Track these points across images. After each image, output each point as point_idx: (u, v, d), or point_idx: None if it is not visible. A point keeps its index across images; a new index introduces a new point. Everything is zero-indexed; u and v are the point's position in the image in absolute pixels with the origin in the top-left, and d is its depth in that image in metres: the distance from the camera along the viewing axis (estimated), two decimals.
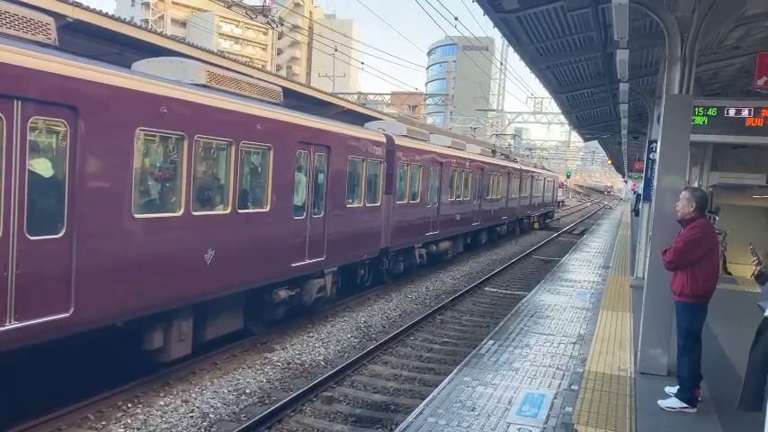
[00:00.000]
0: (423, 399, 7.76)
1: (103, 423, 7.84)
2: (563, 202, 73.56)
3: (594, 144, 54.25)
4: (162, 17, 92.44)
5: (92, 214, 7.21)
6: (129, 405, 8.42)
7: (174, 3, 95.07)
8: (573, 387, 7.85)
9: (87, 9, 11.32)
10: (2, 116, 6.20)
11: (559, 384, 7.96)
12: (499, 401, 7.26)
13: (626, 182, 72.56)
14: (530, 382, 8.00)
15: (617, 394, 7.64)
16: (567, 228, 43.52)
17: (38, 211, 6.66)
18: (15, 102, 6.30)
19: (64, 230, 6.90)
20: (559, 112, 30.99)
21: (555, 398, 7.45)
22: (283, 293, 11.42)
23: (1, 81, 6.14)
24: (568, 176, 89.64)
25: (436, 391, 7.60)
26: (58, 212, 6.90)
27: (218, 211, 9.59)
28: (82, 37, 11.72)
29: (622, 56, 10.01)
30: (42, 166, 6.84)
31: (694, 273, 6.97)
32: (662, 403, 7.23)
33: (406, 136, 17.83)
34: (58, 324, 6.85)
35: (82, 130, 6.99)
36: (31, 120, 6.48)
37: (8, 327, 6.30)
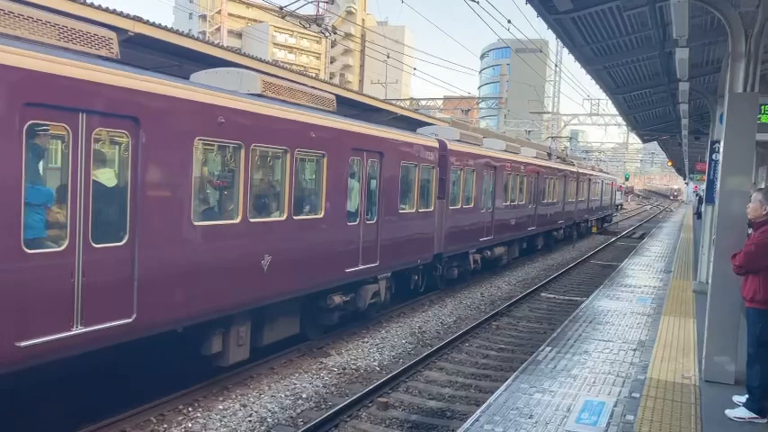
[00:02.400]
0: (479, 405, 7.68)
1: (165, 426, 8.04)
2: (621, 205, 71.88)
3: (654, 145, 52.84)
4: (219, 29, 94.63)
5: (153, 222, 7.41)
6: (190, 409, 8.61)
7: (230, 15, 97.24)
8: (634, 395, 7.65)
9: (147, 23, 11.68)
10: (68, 128, 6.45)
11: (620, 392, 7.76)
12: (557, 409, 7.13)
13: (687, 184, 70.41)
14: (589, 390, 7.83)
15: (681, 403, 7.40)
16: (626, 232, 42.51)
17: (102, 220, 6.88)
18: (80, 114, 6.54)
19: (126, 238, 7.12)
20: (617, 113, 30.32)
21: (615, 405, 7.27)
22: (338, 299, 11.51)
23: (67, 94, 6.38)
24: (627, 179, 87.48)
25: (493, 397, 7.51)
26: (121, 221, 7.12)
27: (275, 217, 9.74)
28: (142, 50, 12.09)
29: (682, 54, 9.74)
30: (106, 176, 7.07)
31: (767, 278, 6.69)
32: (730, 413, 6.97)
33: (458, 140, 17.74)
34: (121, 329, 7.06)
35: (143, 141, 7.20)
36: (95, 131, 6.72)
37: (75, 332, 6.52)
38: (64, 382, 7.68)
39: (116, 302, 6.99)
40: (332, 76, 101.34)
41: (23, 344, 6.03)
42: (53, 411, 7.62)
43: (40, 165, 6.64)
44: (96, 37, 7.38)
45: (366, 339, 12.52)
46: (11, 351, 5.96)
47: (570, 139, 64.83)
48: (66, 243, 6.44)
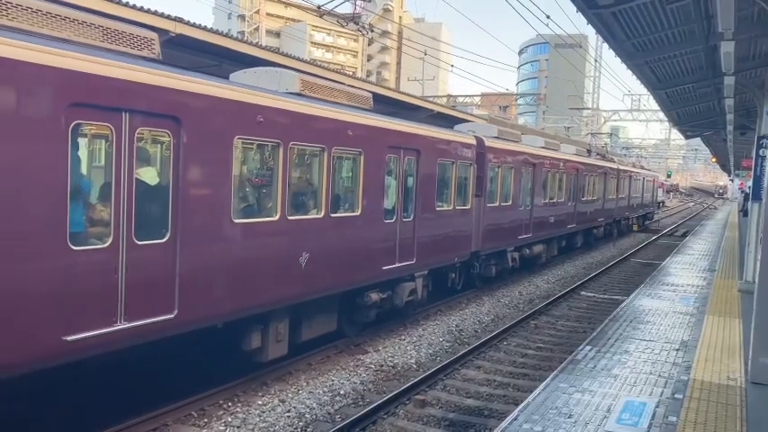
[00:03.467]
0: (517, 404, 7.62)
1: (205, 420, 8.17)
2: (663, 203, 70.48)
3: (697, 141, 51.69)
4: (257, 28, 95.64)
5: (194, 220, 7.53)
6: (230, 404, 8.73)
7: (268, 14, 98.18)
8: (677, 396, 7.50)
9: (188, 24, 11.86)
10: (111, 128, 6.59)
11: (662, 392, 7.62)
12: (597, 409, 7.03)
13: (732, 180, 68.70)
14: (629, 390, 7.71)
15: (725, 405, 7.23)
16: (668, 229, 41.69)
17: (144, 218, 7.01)
18: (123, 114, 6.68)
19: (168, 236, 7.24)
20: (658, 108, 29.73)
21: (657, 406, 7.14)
22: (375, 296, 11.54)
23: (110, 94, 6.52)
24: (669, 175, 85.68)
25: (531, 396, 7.44)
26: (163, 219, 7.25)
27: (312, 215, 9.81)
28: (183, 50, 12.28)
29: (727, 48, 9.50)
30: (148, 175, 7.20)
31: None
32: None
33: (496, 137, 17.61)
34: (163, 325, 7.20)
35: (184, 140, 7.32)
36: (137, 131, 6.85)
37: (119, 327, 6.67)
38: (107, 376, 7.86)
39: (158, 298, 7.12)
40: (369, 74, 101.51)
41: (70, 338, 6.19)
42: (97, 404, 7.80)
43: (85, 163, 6.80)
44: (138, 38, 7.53)
45: (403, 337, 12.53)
46: (58, 345, 6.13)
47: (610, 135, 63.81)
48: (110, 240, 6.59)
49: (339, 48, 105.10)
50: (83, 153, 6.68)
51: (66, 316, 6.17)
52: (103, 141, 6.81)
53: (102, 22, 7.17)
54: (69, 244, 6.17)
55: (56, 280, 6.08)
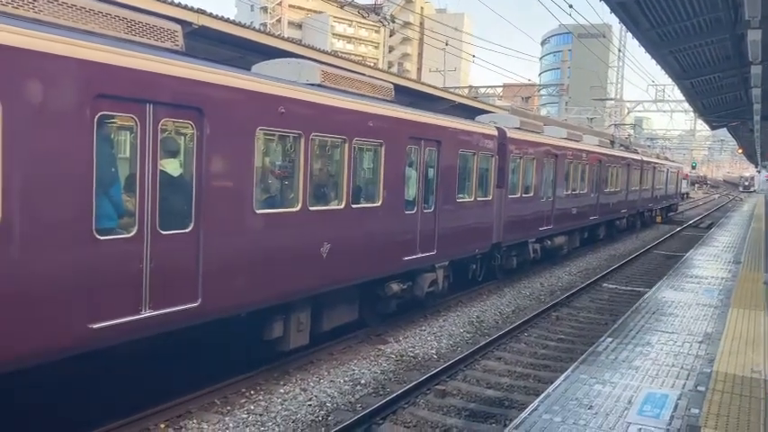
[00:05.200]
0: (537, 395, 7.63)
1: (228, 408, 8.28)
2: (687, 194, 69.60)
3: (723, 132, 50.91)
4: (279, 20, 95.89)
5: (217, 210, 7.61)
6: (252, 392, 8.84)
7: (290, 6, 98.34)
8: (699, 388, 7.45)
9: (211, 15, 11.94)
10: (136, 119, 6.68)
11: (684, 385, 7.58)
12: (618, 400, 7.01)
13: (759, 171, 67.63)
14: (651, 382, 7.67)
15: (749, 397, 7.17)
16: (692, 221, 41.19)
17: (168, 208, 7.09)
18: (148, 105, 6.76)
19: (192, 226, 7.33)
20: (683, 99, 29.33)
21: (679, 399, 7.10)
22: (396, 287, 11.57)
23: (135, 86, 6.60)
24: (694, 167, 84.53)
25: (551, 387, 7.44)
26: (187, 209, 7.33)
27: (333, 206, 9.85)
28: (206, 42, 12.37)
29: (754, 36, 9.36)
30: (172, 166, 7.28)
31: None
32: None
33: (518, 128, 17.52)
34: (187, 313, 7.29)
35: (207, 131, 7.39)
36: (161, 122, 6.93)
37: (144, 315, 6.78)
38: (131, 364, 7.98)
39: (182, 287, 7.22)
40: (390, 65, 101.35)
41: (96, 326, 6.31)
42: (122, 391, 7.93)
43: (110, 154, 6.89)
44: (162, 30, 7.59)
45: (424, 327, 12.56)
46: (84, 333, 6.24)
47: (634, 126, 63.12)
48: (135, 230, 6.69)
49: (360, 39, 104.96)
50: (108, 144, 6.76)
51: (92, 304, 6.28)
52: (128, 133, 6.90)
53: (127, 14, 7.24)
54: (95, 234, 6.28)
55: (82, 269, 6.18)
